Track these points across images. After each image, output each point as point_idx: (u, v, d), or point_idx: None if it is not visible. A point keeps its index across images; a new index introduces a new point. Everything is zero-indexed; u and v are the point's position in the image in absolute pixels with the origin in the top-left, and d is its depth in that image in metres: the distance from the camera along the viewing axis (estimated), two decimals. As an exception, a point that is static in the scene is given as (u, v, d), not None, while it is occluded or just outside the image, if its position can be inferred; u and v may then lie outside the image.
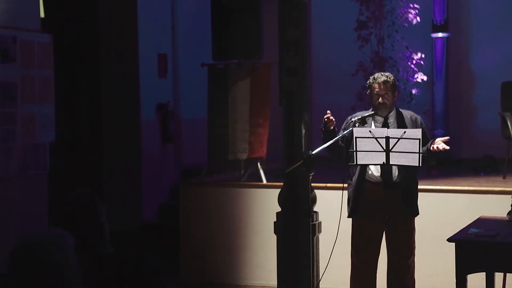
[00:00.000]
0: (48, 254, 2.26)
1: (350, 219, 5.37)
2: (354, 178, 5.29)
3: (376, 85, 5.25)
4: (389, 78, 5.28)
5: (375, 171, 5.23)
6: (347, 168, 5.33)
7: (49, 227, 6.22)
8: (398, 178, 5.21)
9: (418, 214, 5.35)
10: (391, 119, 5.28)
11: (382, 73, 5.37)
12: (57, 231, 2.35)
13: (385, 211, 5.05)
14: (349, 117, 5.29)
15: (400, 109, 5.42)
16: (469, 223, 4.98)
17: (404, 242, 5.29)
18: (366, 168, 5.23)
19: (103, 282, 2.83)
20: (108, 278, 2.85)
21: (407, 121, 5.28)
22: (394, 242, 5.17)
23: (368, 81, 5.39)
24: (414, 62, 9.41)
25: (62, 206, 3.03)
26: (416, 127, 5.17)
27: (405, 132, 4.89)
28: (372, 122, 5.26)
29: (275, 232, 5.68)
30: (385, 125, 5.22)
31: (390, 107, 5.28)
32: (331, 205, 5.74)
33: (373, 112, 5.28)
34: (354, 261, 5.42)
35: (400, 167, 5.13)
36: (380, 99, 5.23)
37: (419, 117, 5.40)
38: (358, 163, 5.02)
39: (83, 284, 2.41)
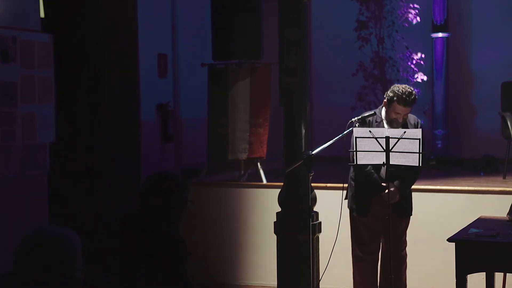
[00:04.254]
0: (62, 243, 2.33)
1: (349, 217, 5.45)
2: None
3: (402, 106, 5.16)
4: (416, 97, 5.23)
5: (383, 171, 5.28)
6: (348, 168, 5.37)
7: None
8: None
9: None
10: None
11: (410, 91, 5.18)
12: (66, 229, 2.40)
13: (388, 209, 5.11)
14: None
15: None
16: (469, 223, 4.99)
17: (400, 237, 5.46)
18: (381, 169, 5.29)
19: (165, 255, 3.52)
20: (170, 254, 3.55)
21: (414, 123, 5.37)
22: (394, 238, 5.29)
23: (391, 95, 5.20)
24: (414, 62, 9.41)
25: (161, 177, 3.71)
26: None
27: (405, 132, 4.92)
28: (385, 122, 5.30)
29: (275, 232, 5.68)
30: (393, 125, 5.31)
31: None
32: (331, 205, 5.74)
33: (374, 112, 5.32)
34: (357, 254, 5.50)
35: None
36: (400, 118, 5.24)
37: (419, 120, 5.47)
38: (358, 163, 5.05)
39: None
